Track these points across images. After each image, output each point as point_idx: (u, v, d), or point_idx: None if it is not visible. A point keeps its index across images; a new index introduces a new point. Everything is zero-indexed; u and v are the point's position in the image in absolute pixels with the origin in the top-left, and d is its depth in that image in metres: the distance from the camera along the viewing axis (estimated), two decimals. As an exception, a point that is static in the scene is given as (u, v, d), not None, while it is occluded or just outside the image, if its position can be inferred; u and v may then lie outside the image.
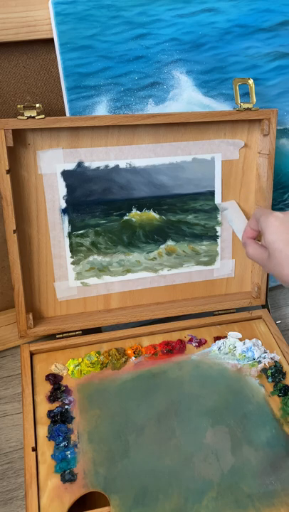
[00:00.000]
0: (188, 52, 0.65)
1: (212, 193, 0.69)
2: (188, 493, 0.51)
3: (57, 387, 0.61)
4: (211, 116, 0.64)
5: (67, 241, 0.66)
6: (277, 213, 0.55)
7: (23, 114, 0.56)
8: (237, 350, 0.68)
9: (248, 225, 0.61)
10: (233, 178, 0.70)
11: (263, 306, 0.76)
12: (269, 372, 0.65)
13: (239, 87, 0.65)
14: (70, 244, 0.66)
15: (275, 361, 0.67)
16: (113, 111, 0.64)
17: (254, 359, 0.67)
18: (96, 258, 0.67)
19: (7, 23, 0.57)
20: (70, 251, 0.66)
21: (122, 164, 0.64)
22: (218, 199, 0.70)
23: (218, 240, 0.72)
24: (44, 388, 0.61)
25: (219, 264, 0.73)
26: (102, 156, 0.63)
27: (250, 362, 0.66)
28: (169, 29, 0.63)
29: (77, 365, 0.64)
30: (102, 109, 0.63)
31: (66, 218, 0.65)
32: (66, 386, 0.61)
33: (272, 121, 0.65)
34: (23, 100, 0.63)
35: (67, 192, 0.63)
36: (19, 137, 0.59)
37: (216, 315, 0.73)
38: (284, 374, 0.65)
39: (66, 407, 0.59)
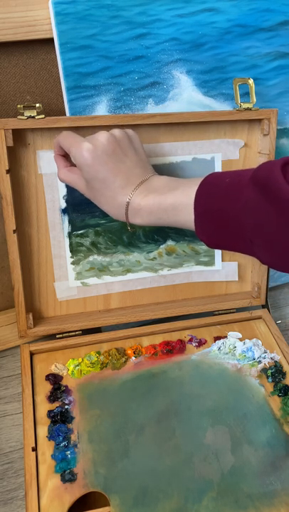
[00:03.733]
0: (188, 52, 0.65)
1: (212, 193, 0.69)
2: (188, 493, 0.51)
3: (57, 387, 0.61)
4: (211, 116, 0.64)
5: (67, 241, 0.66)
6: (88, 146, 0.53)
7: (23, 114, 0.56)
8: (237, 350, 0.68)
9: (57, 138, 0.57)
10: (233, 178, 0.69)
11: (263, 306, 0.76)
12: (269, 372, 0.65)
13: (239, 87, 0.65)
14: (70, 244, 0.66)
15: (275, 361, 0.67)
16: (113, 111, 0.64)
17: (254, 359, 0.67)
18: (96, 258, 0.67)
19: (7, 22, 0.57)
20: (70, 251, 0.66)
21: (122, 164, 0.64)
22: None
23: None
24: (44, 388, 0.61)
25: (220, 266, 0.73)
26: (102, 156, 0.63)
27: (250, 362, 0.66)
28: (169, 29, 0.63)
29: (77, 365, 0.64)
30: (102, 109, 0.63)
31: (66, 218, 0.65)
32: (66, 386, 0.61)
33: (272, 121, 0.65)
34: (23, 100, 0.63)
35: (67, 192, 0.63)
36: (19, 137, 0.59)
37: (216, 315, 0.73)
38: (284, 374, 0.65)
39: (66, 407, 0.59)
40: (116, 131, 0.55)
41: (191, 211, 0.49)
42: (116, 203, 0.53)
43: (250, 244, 0.47)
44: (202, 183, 0.49)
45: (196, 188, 0.49)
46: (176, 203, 0.50)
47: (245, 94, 0.66)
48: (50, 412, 0.58)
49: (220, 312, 0.73)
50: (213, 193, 0.48)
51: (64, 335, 0.67)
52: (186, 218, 0.50)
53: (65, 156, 0.58)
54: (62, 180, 0.58)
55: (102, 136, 0.53)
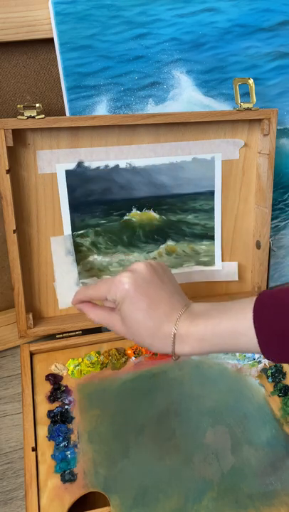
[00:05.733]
0: (189, 52, 0.65)
1: (212, 193, 0.69)
2: (189, 493, 0.51)
3: (57, 387, 0.61)
4: (211, 116, 0.63)
5: (67, 241, 0.66)
6: (127, 277, 0.50)
7: (23, 114, 0.56)
8: (237, 350, 0.68)
9: (84, 290, 0.56)
10: (233, 178, 0.70)
11: (263, 306, 0.75)
12: (269, 372, 0.65)
13: (239, 87, 0.65)
14: (70, 244, 0.66)
15: (275, 361, 0.67)
16: (113, 111, 0.64)
17: (254, 359, 0.67)
18: (96, 258, 0.67)
19: (7, 22, 0.57)
20: (70, 251, 0.66)
21: (122, 164, 0.64)
22: (218, 199, 0.69)
23: (218, 240, 0.72)
24: (44, 388, 0.61)
25: (221, 266, 0.73)
26: (102, 156, 0.63)
27: (250, 362, 0.66)
28: (169, 29, 0.63)
29: (77, 365, 0.64)
30: (102, 108, 0.63)
31: (66, 218, 0.64)
32: (66, 386, 0.61)
33: (273, 121, 0.65)
34: (23, 100, 0.63)
35: (67, 192, 0.63)
36: (19, 137, 0.59)
37: (216, 315, 0.73)
38: (284, 374, 0.65)
39: (66, 407, 0.59)
40: (150, 261, 0.54)
41: (252, 335, 0.45)
42: (160, 333, 0.48)
43: None
44: (258, 304, 0.46)
45: (250, 309, 0.46)
46: (233, 326, 0.46)
47: (245, 94, 0.66)
48: (50, 412, 0.58)
49: (220, 312, 0.73)
50: (276, 313, 0.45)
51: (64, 335, 0.67)
52: (249, 342, 0.46)
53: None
54: (97, 322, 0.55)
55: (138, 265, 0.52)
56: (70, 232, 0.65)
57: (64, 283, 0.62)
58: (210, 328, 0.47)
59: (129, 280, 0.50)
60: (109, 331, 0.69)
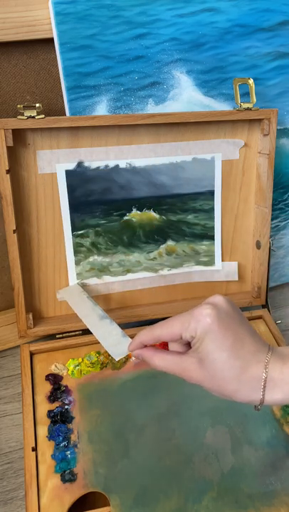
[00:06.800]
0: (189, 52, 0.65)
1: (212, 193, 0.69)
2: (189, 493, 0.51)
3: (57, 387, 0.61)
4: (211, 116, 0.64)
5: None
6: (208, 309, 0.45)
7: (23, 114, 0.56)
8: (237, 350, 0.68)
9: (149, 331, 0.48)
10: (233, 178, 0.70)
11: (263, 306, 0.76)
12: (269, 372, 0.65)
13: (239, 87, 0.65)
14: (70, 244, 0.66)
15: (275, 361, 0.67)
16: (113, 111, 0.64)
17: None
18: (96, 259, 0.67)
19: (7, 22, 0.57)
20: (70, 251, 0.66)
21: (122, 164, 0.64)
22: (218, 199, 0.70)
23: (218, 240, 0.72)
24: (44, 388, 0.61)
25: (220, 266, 0.73)
26: (102, 156, 0.63)
27: (250, 362, 0.66)
28: (169, 29, 0.63)
29: (77, 365, 0.64)
30: (102, 108, 0.63)
31: (66, 218, 0.64)
32: (66, 386, 0.61)
33: (273, 121, 0.65)
34: (23, 100, 0.63)
35: (67, 192, 0.63)
36: (19, 137, 0.59)
37: (216, 315, 0.73)
38: (284, 374, 0.65)
39: (66, 407, 0.59)
40: (224, 296, 0.48)
41: None
42: (248, 375, 0.43)
43: None
44: None
45: None
46: None
47: (245, 94, 0.66)
48: (50, 412, 0.58)
49: (220, 312, 0.73)
50: None
51: (64, 335, 0.67)
52: None
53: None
54: (162, 369, 0.47)
55: (218, 298, 0.46)
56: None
57: (110, 340, 0.57)
58: None
59: (212, 312, 0.44)
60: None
